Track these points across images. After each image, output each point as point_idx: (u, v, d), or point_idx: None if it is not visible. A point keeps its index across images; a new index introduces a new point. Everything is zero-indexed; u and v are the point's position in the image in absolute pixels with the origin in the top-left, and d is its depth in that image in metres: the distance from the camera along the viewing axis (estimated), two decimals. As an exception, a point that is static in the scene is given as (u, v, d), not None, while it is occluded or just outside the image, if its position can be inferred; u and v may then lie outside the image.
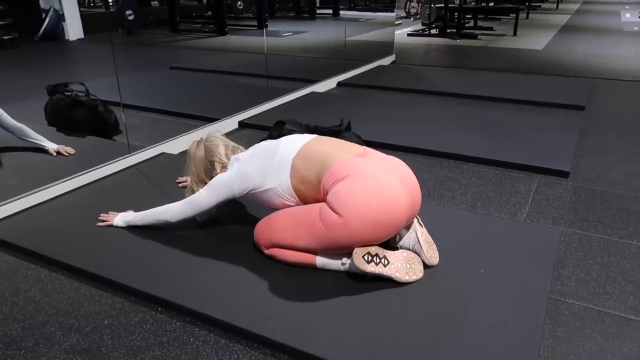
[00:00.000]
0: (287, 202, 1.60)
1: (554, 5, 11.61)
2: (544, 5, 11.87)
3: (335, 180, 1.47)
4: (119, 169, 2.43)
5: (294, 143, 1.63)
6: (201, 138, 1.82)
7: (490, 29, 7.77)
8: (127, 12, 5.50)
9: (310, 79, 4.11)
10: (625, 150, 2.75)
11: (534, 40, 6.80)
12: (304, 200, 1.58)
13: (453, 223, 1.88)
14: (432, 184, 2.33)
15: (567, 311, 1.45)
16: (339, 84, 4.33)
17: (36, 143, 2.39)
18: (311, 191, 1.55)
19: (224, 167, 1.76)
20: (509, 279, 1.53)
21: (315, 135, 1.68)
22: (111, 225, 1.85)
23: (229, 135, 2.71)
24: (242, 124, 3.24)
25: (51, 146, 2.42)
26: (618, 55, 5.64)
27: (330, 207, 1.44)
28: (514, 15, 7.59)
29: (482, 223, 1.91)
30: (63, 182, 2.19)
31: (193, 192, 1.75)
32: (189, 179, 1.82)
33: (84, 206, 2.04)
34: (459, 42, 6.68)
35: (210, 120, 3.10)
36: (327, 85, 4.21)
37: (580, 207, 2.11)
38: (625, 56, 5.57)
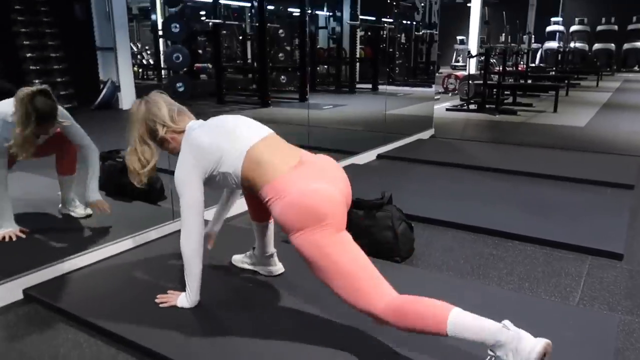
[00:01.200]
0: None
1: (594, 83, 11.62)
2: (583, 82, 11.90)
3: (274, 197, 1.52)
4: (163, 235, 2.47)
5: (249, 134, 1.66)
6: (143, 97, 1.75)
7: (530, 105, 7.79)
8: (178, 85, 5.88)
9: (350, 151, 4.17)
10: (682, 232, 2.61)
11: (576, 117, 6.76)
12: (246, 190, 1.72)
13: (502, 305, 1.79)
14: (477, 262, 2.26)
15: (633, 410, 1.32)
16: (379, 156, 4.37)
17: (89, 185, 2.43)
18: (252, 189, 1.62)
19: (172, 133, 1.70)
20: (566, 370, 1.42)
21: (267, 133, 1.70)
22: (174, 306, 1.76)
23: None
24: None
25: (94, 196, 2.44)
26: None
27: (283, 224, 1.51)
28: (554, 92, 7.62)
29: (533, 306, 1.81)
30: (107, 246, 2.24)
31: (136, 152, 1.70)
32: (130, 144, 1.73)
33: (128, 271, 2.07)
34: (497, 117, 6.70)
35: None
36: (367, 157, 4.26)
37: (638, 292, 1.98)
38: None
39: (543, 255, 2.32)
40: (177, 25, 5.62)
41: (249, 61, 10.21)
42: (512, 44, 11.12)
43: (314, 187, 1.51)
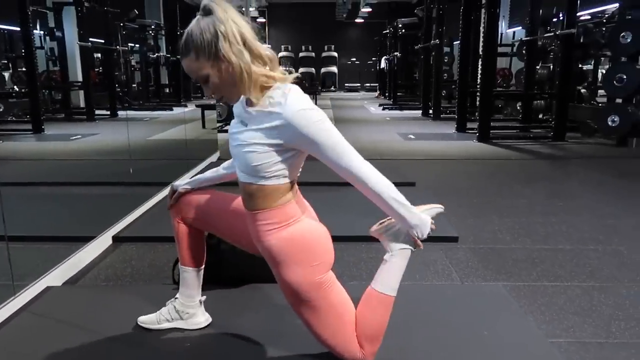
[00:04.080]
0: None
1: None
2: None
3: (277, 223, 1.41)
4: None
5: None
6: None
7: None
8: None
9: (163, 182, 3.85)
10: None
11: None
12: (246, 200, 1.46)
13: (407, 297, 2.05)
14: (352, 267, 2.47)
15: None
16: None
17: None
18: (251, 201, 1.43)
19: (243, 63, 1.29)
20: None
21: None
22: None
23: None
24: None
25: None
26: (381, 139, 6.90)
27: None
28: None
29: (432, 291, 2.12)
30: None
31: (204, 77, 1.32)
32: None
33: None
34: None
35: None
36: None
37: (488, 262, 2.52)
38: (390, 139, 6.89)
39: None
40: None
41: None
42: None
43: (318, 223, 1.48)
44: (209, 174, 1.76)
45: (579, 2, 6.25)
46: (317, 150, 1.34)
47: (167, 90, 13.63)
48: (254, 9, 16.23)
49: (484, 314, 1.90)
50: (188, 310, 1.78)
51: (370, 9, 17.41)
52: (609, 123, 6.02)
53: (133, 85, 11.84)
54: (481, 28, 8.01)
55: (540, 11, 7.82)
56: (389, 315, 1.50)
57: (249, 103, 1.39)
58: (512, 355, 1.63)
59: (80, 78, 9.47)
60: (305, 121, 1.31)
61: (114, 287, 2.25)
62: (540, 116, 8.10)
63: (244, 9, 12.92)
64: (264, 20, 20.20)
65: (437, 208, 1.55)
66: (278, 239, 1.40)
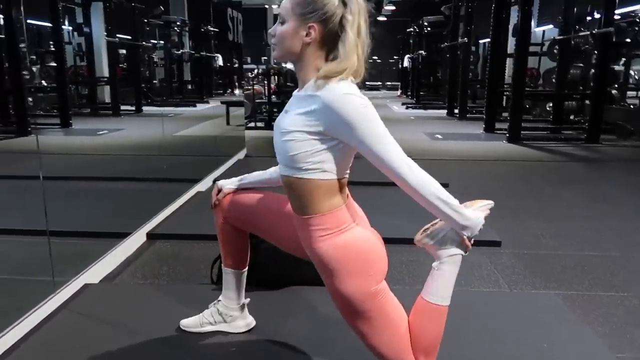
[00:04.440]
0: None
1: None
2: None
3: (329, 229, 1.31)
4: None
5: None
6: None
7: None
8: None
9: (193, 179, 3.82)
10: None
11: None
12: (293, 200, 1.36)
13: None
14: (398, 270, 2.38)
15: None
16: (215, 180, 4.12)
17: None
18: (300, 203, 1.33)
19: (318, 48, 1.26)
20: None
21: None
22: None
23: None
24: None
25: None
26: (408, 139, 6.79)
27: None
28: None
29: (477, 298, 2.03)
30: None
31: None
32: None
33: None
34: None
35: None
36: (207, 183, 3.97)
37: (535, 270, 2.42)
38: (417, 138, 6.77)
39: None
40: None
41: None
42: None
43: (372, 230, 1.38)
44: (255, 175, 1.65)
45: (617, 0, 6.03)
46: (357, 140, 1.22)
47: (189, 87, 13.69)
48: (276, 5, 16.22)
49: (540, 325, 1.80)
50: (231, 313, 1.72)
51: (394, 7, 17.26)
52: None
53: (155, 81, 11.92)
54: (510, 26, 7.85)
55: (575, 9, 7.61)
56: (444, 325, 1.40)
57: (301, 87, 1.32)
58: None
59: (106, 73, 9.55)
60: (346, 106, 1.20)
61: (151, 286, 2.21)
62: (572, 117, 7.89)
63: (267, 5, 12.91)
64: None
65: (488, 204, 1.41)
66: (330, 246, 1.30)
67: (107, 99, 9.81)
